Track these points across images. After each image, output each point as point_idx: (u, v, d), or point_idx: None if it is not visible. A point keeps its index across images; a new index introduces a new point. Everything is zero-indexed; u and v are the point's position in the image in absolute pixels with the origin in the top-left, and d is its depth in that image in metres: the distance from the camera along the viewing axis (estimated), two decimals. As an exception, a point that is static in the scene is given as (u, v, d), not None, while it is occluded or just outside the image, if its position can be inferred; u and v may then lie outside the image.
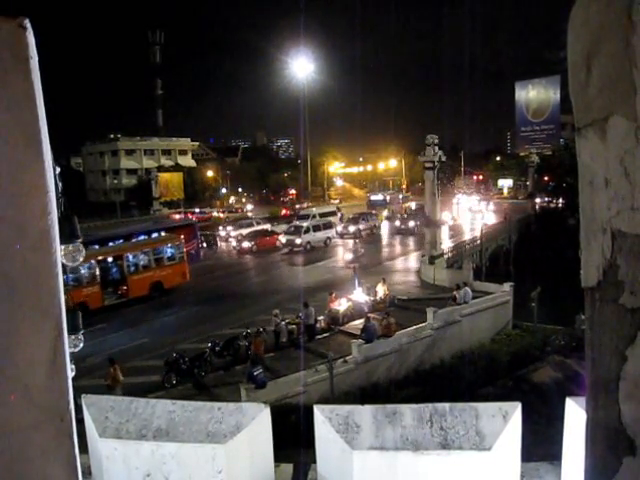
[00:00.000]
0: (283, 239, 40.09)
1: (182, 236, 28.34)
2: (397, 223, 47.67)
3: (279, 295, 24.99)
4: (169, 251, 26.77)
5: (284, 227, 44.32)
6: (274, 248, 39.87)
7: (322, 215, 44.84)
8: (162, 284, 25.62)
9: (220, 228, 47.47)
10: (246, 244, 39.32)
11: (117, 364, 14.35)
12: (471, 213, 58.79)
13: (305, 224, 40.47)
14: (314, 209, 49.50)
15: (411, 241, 42.03)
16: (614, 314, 1.44)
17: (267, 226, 47.31)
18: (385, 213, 57.67)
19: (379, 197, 69.34)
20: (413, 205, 62.82)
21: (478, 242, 35.47)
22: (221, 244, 43.19)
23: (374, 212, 54.00)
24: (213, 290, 27.05)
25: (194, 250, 32.35)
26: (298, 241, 38.68)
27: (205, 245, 40.22)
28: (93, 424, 3.17)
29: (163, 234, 28.90)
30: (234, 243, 40.93)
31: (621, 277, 1.41)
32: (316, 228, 40.43)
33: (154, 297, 25.04)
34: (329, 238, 41.22)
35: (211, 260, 36.48)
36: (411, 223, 45.64)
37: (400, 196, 72.85)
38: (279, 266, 34.66)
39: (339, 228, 44.91)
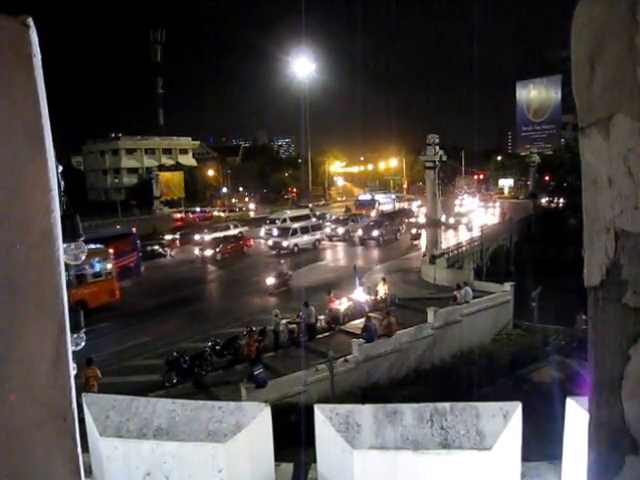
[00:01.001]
0: (270, 241, 38.37)
1: (116, 248, 25.87)
2: (359, 232, 41.46)
3: (219, 320, 22.13)
4: (95, 266, 24.08)
5: (262, 230, 42.32)
6: (242, 255, 37.37)
7: (294, 219, 41.63)
8: (86, 303, 22.00)
9: (157, 236, 42.71)
10: (209, 252, 35.63)
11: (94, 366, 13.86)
12: (456, 217, 49.55)
13: (295, 225, 38.70)
14: (288, 211, 46.56)
15: (375, 253, 37.63)
16: (617, 313, 1.44)
17: (243, 229, 44.92)
18: (373, 214, 54.41)
19: (367, 197, 64.64)
20: (414, 205, 59.63)
21: (477, 243, 35.31)
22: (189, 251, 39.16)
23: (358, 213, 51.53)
24: (144, 309, 24.15)
25: (133, 264, 29.47)
26: (285, 244, 37.05)
27: (159, 253, 37.41)
28: (94, 423, 3.17)
29: (95, 246, 24.51)
30: (196, 251, 36.86)
31: (624, 276, 1.42)
32: (304, 230, 38.74)
33: None
34: (318, 240, 39.48)
35: (159, 273, 32.63)
36: (375, 232, 40.18)
37: (392, 196, 68.44)
38: (242, 276, 30.81)
39: (328, 230, 42.98)
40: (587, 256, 1.56)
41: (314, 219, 44.54)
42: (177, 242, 43.04)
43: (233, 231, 43.76)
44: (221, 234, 41.70)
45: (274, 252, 37.53)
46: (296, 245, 37.36)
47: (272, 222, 42.60)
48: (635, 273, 1.39)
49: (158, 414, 3.20)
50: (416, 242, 39.31)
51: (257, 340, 17.06)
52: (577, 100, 1.53)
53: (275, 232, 39.33)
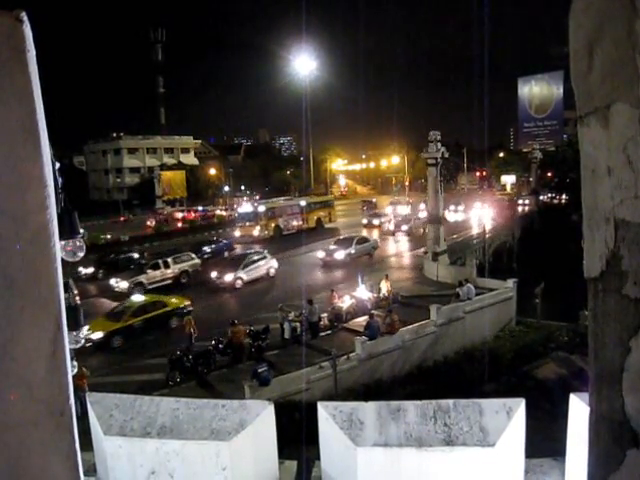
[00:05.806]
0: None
1: None
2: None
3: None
4: None
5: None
6: None
7: None
8: None
9: None
10: None
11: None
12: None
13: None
14: None
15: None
16: (617, 305, 1.43)
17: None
18: (238, 233, 39.57)
19: (249, 208, 43.36)
20: (390, 208, 48.44)
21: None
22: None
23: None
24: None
25: None
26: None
27: None
28: (98, 422, 3.17)
29: None
30: None
31: (624, 267, 1.40)
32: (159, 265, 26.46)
33: None
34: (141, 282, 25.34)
35: None
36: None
37: (302, 202, 45.60)
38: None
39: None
40: (587, 247, 1.54)
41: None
42: None
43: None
44: None
45: None
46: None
47: None
48: (635, 264, 1.37)
49: (162, 413, 3.20)
50: None
51: (244, 332, 17.02)
52: (575, 89, 1.51)
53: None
